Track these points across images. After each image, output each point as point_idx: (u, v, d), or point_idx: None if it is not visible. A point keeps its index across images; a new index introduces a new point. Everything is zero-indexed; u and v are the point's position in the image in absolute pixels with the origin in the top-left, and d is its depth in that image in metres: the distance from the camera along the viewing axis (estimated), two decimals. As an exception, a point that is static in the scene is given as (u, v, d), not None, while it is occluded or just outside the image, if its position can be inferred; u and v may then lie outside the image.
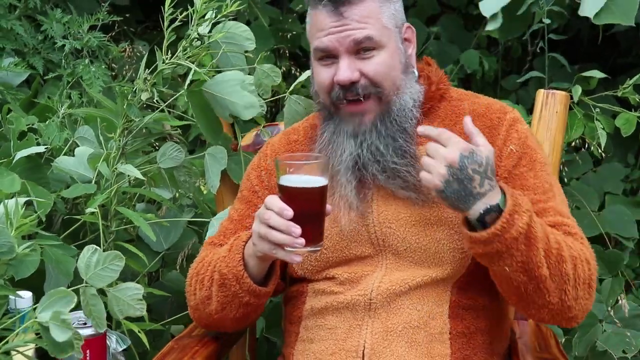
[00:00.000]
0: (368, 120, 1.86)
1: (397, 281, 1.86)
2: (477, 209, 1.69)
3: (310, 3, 1.86)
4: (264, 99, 2.18)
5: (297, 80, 2.25)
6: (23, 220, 1.68)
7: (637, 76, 2.74)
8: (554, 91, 2.19)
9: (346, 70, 1.83)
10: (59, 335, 1.58)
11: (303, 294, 1.95)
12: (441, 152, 1.68)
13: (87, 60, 2.68)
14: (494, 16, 2.79)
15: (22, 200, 1.69)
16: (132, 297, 1.78)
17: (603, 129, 2.81)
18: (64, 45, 2.72)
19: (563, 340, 2.82)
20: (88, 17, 2.73)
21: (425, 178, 1.70)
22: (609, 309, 2.84)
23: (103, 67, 2.66)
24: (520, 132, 1.89)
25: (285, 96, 2.24)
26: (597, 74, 2.75)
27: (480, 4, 2.79)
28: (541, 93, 2.18)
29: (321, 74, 1.87)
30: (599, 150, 2.84)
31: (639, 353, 2.75)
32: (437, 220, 1.86)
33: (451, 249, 1.85)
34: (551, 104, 2.18)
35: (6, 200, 1.67)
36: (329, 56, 1.85)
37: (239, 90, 2.09)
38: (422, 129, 1.74)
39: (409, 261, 1.87)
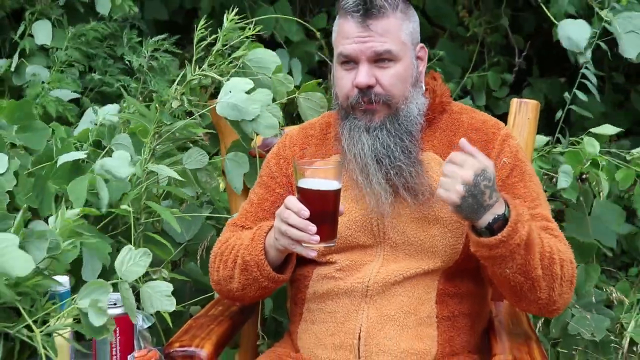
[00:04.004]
0: (378, 118, 1.93)
1: (392, 272, 1.92)
2: (486, 218, 1.76)
3: (341, 13, 1.95)
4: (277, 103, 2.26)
5: (303, 85, 2.35)
6: (68, 221, 1.74)
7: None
8: (526, 100, 2.24)
9: (365, 75, 1.90)
10: (96, 320, 1.65)
11: (307, 277, 2.02)
12: (458, 173, 1.75)
13: (149, 77, 2.82)
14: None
15: (76, 210, 1.76)
16: (162, 294, 1.84)
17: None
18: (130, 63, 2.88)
19: (541, 321, 2.86)
20: (155, 41, 2.88)
21: (443, 196, 1.76)
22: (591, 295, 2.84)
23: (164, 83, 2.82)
24: (512, 146, 1.97)
25: (294, 99, 2.33)
26: (609, 129, 2.74)
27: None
28: (514, 102, 2.24)
29: (343, 79, 1.95)
30: None
31: (605, 336, 2.78)
32: (434, 218, 1.93)
33: (444, 245, 1.93)
34: (524, 111, 2.23)
35: (67, 210, 1.74)
36: (351, 61, 1.93)
37: (263, 110, 2.18)
38: (463, 141, 1.80)
39: (404, 254, 1.94)
